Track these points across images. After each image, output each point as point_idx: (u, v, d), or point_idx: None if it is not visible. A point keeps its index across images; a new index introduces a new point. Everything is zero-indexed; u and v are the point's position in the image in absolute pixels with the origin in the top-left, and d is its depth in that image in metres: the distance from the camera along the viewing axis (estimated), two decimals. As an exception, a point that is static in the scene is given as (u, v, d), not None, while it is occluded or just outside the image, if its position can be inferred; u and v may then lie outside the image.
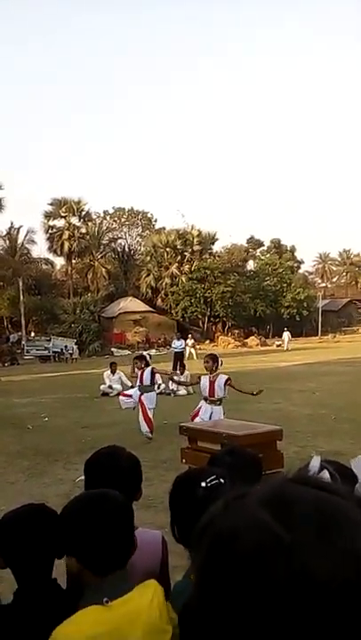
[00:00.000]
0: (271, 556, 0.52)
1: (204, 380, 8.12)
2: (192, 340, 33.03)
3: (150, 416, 9.54)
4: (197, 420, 7.77)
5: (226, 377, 8.06)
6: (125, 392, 10.78)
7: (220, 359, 8.27)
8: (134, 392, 9.99)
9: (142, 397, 9.64)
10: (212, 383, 8.00)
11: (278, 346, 23.21)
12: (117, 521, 1.60)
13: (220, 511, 0.60)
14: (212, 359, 8.12)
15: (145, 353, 10.59)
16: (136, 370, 10.04)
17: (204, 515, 0.63)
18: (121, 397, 10.38)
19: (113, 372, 16.31)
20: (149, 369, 9.87)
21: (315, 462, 1.11)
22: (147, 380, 9.74)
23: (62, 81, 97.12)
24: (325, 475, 1.07)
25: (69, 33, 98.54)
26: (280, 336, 49.20)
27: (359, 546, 0.52)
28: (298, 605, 0.50)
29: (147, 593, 1.60)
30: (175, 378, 10.88)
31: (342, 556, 0.51)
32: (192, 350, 31.79)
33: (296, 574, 0.50)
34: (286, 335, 40.91)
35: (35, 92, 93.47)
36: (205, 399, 8.08)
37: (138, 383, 9.95)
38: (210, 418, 7.66)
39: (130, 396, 10.09)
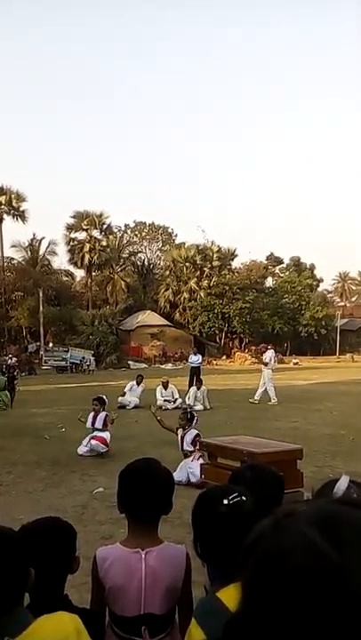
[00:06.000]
0: (320, 576, 0.53)
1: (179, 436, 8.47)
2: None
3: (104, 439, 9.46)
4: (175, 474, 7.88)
5: (195, 432, 8.26)
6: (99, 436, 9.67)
7: (195, 419, 8.61)
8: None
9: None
10: (182, 438, 8.28)
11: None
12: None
13: (268, 529, 0.60)
14: (187, 419, 8.50)
15: (104, 396, 10.37)
16: (93, 411, 9.91)
17: (250, 532, 0.62)
18: (93, 442, 9.55)
19: (138, 384, 16.48)
20: (103, 414, 9.81)
21: (343, 482, 1.10)
22: (99, 424, 9.66)
23: (84, 96, 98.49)
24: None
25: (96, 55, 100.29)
26: (297, 354, 48.40)
27: None
28: (350, 626, 0.50)
29: (49, 625, 1.54)
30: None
31: None
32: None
33: (345, 595, 0.51)
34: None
35: (60, 106, 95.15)
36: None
37: (90, 425, 9.75)
38: (186, 473, 7.47)
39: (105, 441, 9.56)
